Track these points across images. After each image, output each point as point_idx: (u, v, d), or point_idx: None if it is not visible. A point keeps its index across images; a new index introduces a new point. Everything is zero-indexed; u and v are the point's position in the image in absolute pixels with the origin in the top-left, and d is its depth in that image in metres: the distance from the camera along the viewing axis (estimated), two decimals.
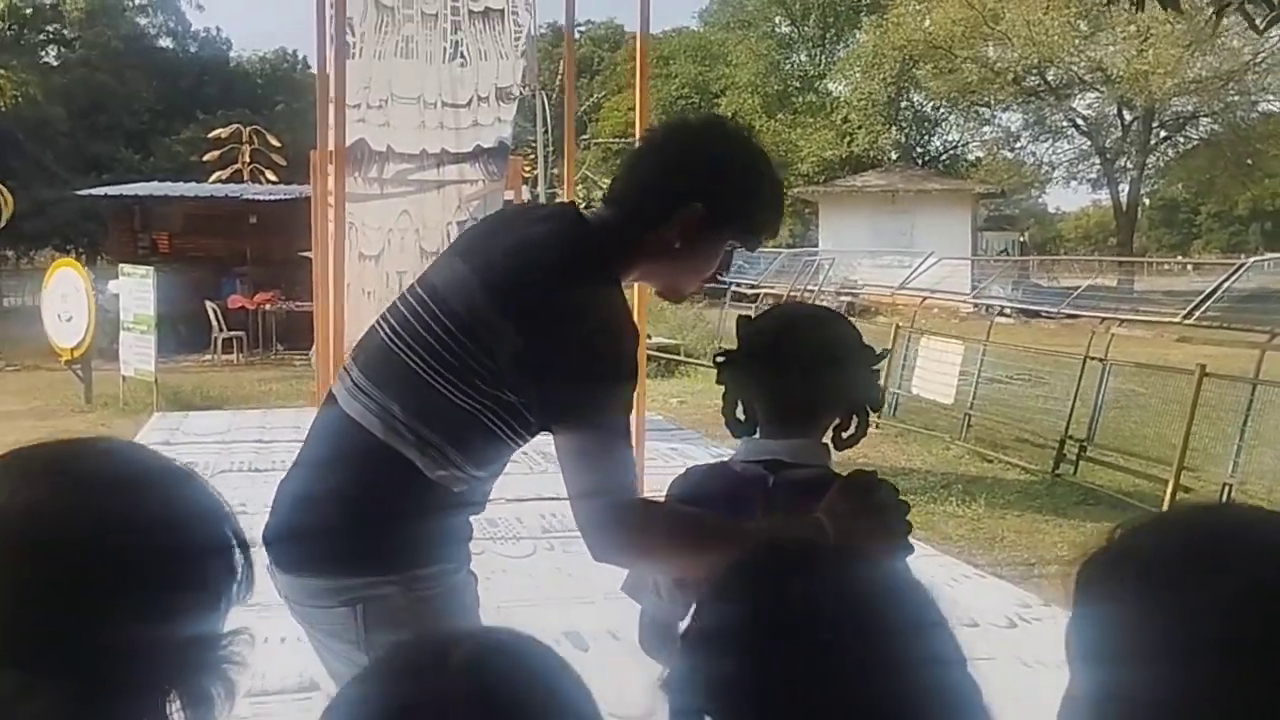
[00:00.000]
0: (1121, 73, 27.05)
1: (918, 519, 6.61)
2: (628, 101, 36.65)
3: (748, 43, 34.63)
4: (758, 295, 20.56)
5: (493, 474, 1.95)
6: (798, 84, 34.85)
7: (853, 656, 0.85)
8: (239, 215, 19.75)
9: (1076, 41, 28.97)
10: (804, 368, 1.81)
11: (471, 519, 2.00)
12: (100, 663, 0.89)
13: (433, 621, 1.79)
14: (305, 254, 13.29)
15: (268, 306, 18.69)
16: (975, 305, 25.72)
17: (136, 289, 12.41)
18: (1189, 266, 40.36)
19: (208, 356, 17.61)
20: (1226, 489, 6.92)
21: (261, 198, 20.09)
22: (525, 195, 13.88)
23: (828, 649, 0.86)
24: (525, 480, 7.16)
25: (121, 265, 14.19)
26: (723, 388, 1.89)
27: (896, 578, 0.98)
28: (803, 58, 36.07)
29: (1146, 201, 36.37)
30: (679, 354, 15.88)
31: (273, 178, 25.43)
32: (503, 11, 10.47)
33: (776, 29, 36.12)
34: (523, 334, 1.73)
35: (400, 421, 1.80)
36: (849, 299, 24.13)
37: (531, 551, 6.20)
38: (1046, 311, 23.32)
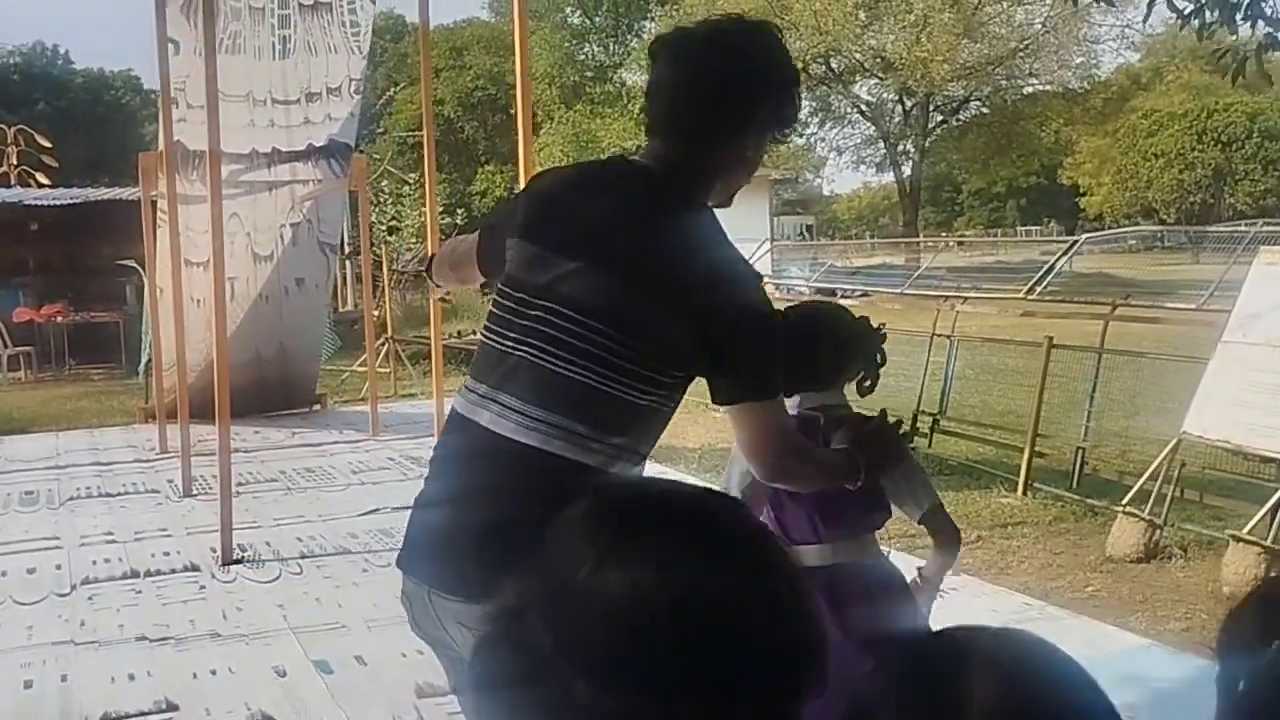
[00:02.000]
0: (903, 60, 28.40)
1: None
2: (420, 93, 36.21)
3: (541, 34, 34.58)
4: None
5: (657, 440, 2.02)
6: (592, 75, 35.10)
7: None
8: (18, 223, 18.32)
9: (857, 30, 30.27)
10: (835, 348, 2.61)
11: None
12: None
13: None
14: (124, 262, 12.57)
15: (59, 319, 17.49)
16: (778, 288, 26.53)
17: None
18: (952, 243, 42.90)
19: None
20: (1079, 453, 7.41)
21: (43, 203, 18.72)
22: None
23: None
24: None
25: None
26: None
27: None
28: (596, 49, 36.36)
29: (908, 183, 38.29)
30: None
31: (45, 180, 23.76)
32: (331, 5, 10.10)
33: (568, 20, 36.26)
34: (703, 321, 1.81)
35: (589, 438, 1.81)
36: None
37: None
38: (843, 290, 24.40)
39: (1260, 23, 4.63)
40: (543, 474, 1.80)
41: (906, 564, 3.13)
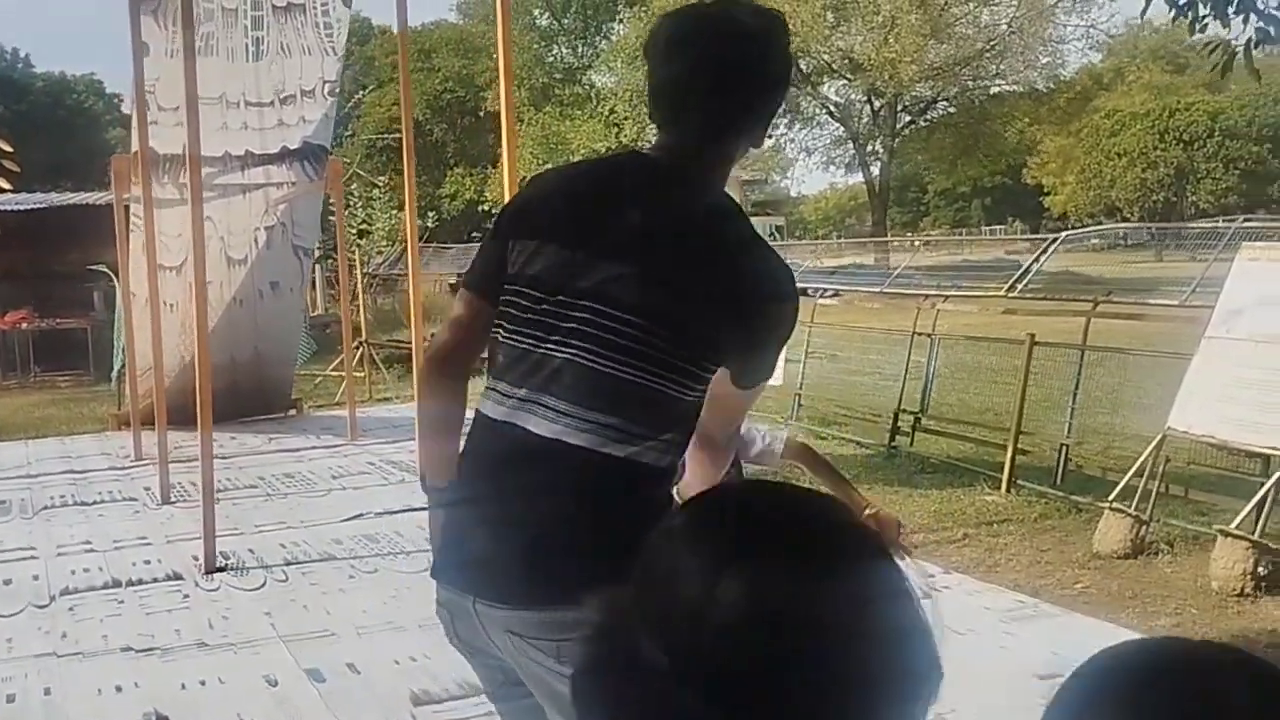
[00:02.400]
0: (872, 61, 28.53)
1: None
2: (390, 96, 35.86)
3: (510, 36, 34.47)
4: None
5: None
6: (561, 77, 35.02)
7: None
8: None
9: (825, 31, 30.37)
10: None
11: None
12: None
13: None
14: (94, 267, 12.40)
15: (24, 325, 17.24)
16: None
17: None
18: (919, 243, 43.17)
19: None
20: (1063, 449, 7.43)
21: (6, 208, 18.45)
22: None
23: None
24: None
25: None
26: None
27: None
28: (565, 51, 36.26)
29: (876, 184, 38.46)
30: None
31: (6, 185, 23.39)
32: (305, 6, 9.99)
33: (537, 22, 36.16)
34: (747, 315, 1.85)
35: (643, 436, 1.81)
36: None
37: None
38: (812, 289, 24.59)
39: (1252, 17, 4.65)
40: (598, 474, 1.79)
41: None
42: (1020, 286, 9.68)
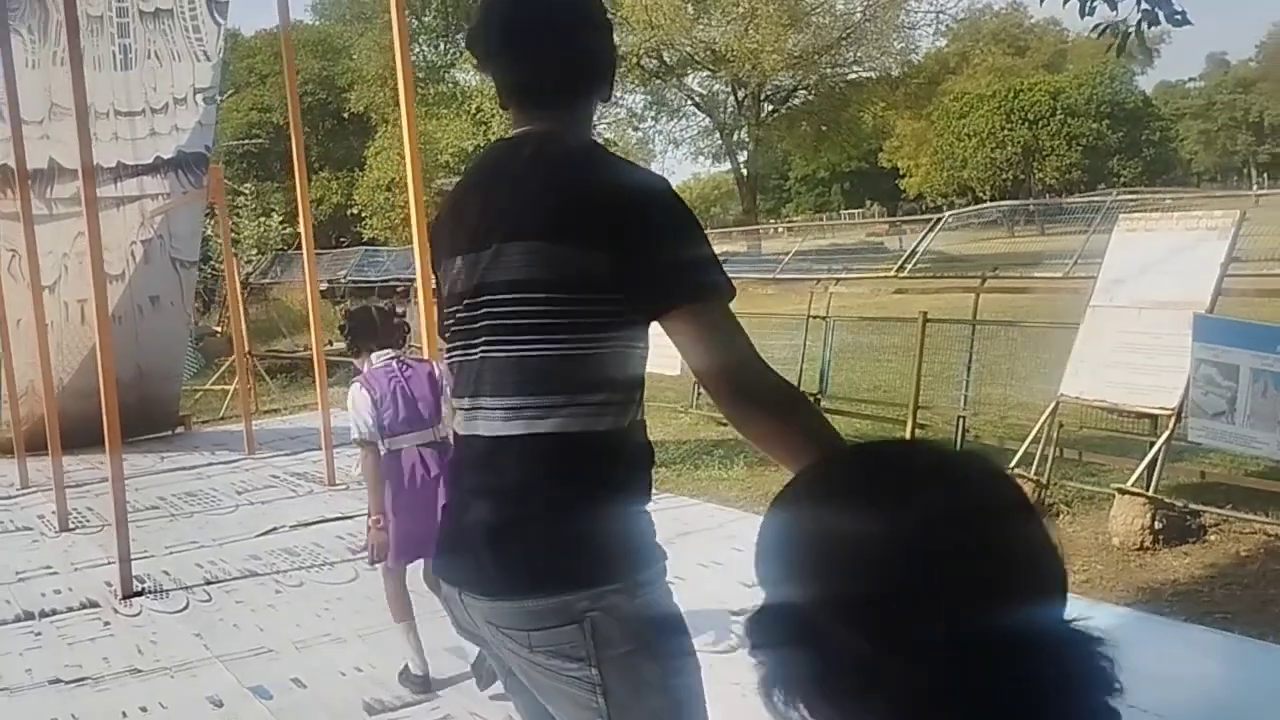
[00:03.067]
0: (734, 51, 28.92)
1: (685, 486, 6.97)
2: (248, 101, 35.00)
3: (370, 35, 33.88)
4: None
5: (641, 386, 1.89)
6: (424, 76, 34.54)
7: None
8: None
9: (686, 23, 30.67)
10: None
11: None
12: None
13: (658, 627, 1.78)
14: None
15: None
16: None
17: None
18: (779, 229, 44.00)
19: None
20: (960, 421, 7.72)
21: None
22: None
23: None
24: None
25: None
26: None
27: None
28: (427, 49, 35.79)
29: (745, 171, 39.13)
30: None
31: None
32: (172, 11, 9.72)
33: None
34: (617, 229, 1.72)
35: (569, 405, 1.77)
36: None
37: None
38: None
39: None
40: (535, 457, 1.78)
41: None
42: (910, 267, 9.99)
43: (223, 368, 14.38)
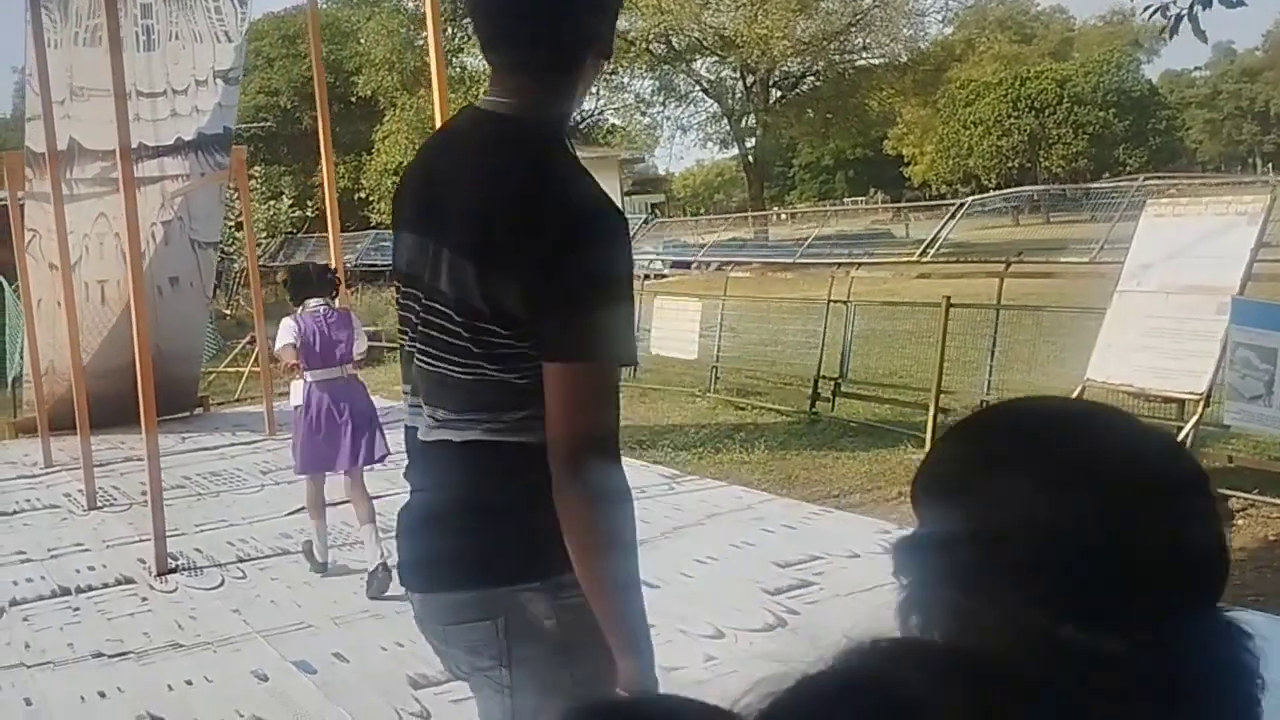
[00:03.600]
0: (744, 37, 28.88)
1: (707, 469, 6.96)
2: (255, 85, 34.87)
3: (378, 19, 33.82)
4: None
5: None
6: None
7: None
8: None
9: (696, 8, 30.60)
10: None
11: None
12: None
13: (578, 634, 1.68)
14: None
15: None
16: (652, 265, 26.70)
17: None
18: (782, 215, 43.98)
19: None
20: (984, 405, 7.73)
21: None
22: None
23: None
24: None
25: None
26: None
27: None
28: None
29: (752, 158, 39.06)
30: (380, 340, 15.44)
31: None
32: None
33: (404, 5, 35.52)
34: (544, 286, 1.57)
35: (491, 422, 1.68)
36: None
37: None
38: (698, 263, 25.03)
39: None
40: (465, 462, 1.71)
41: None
42: (932, 252, 10.01)
43: (235, 350, 14.41)
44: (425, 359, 1.71)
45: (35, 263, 9.92)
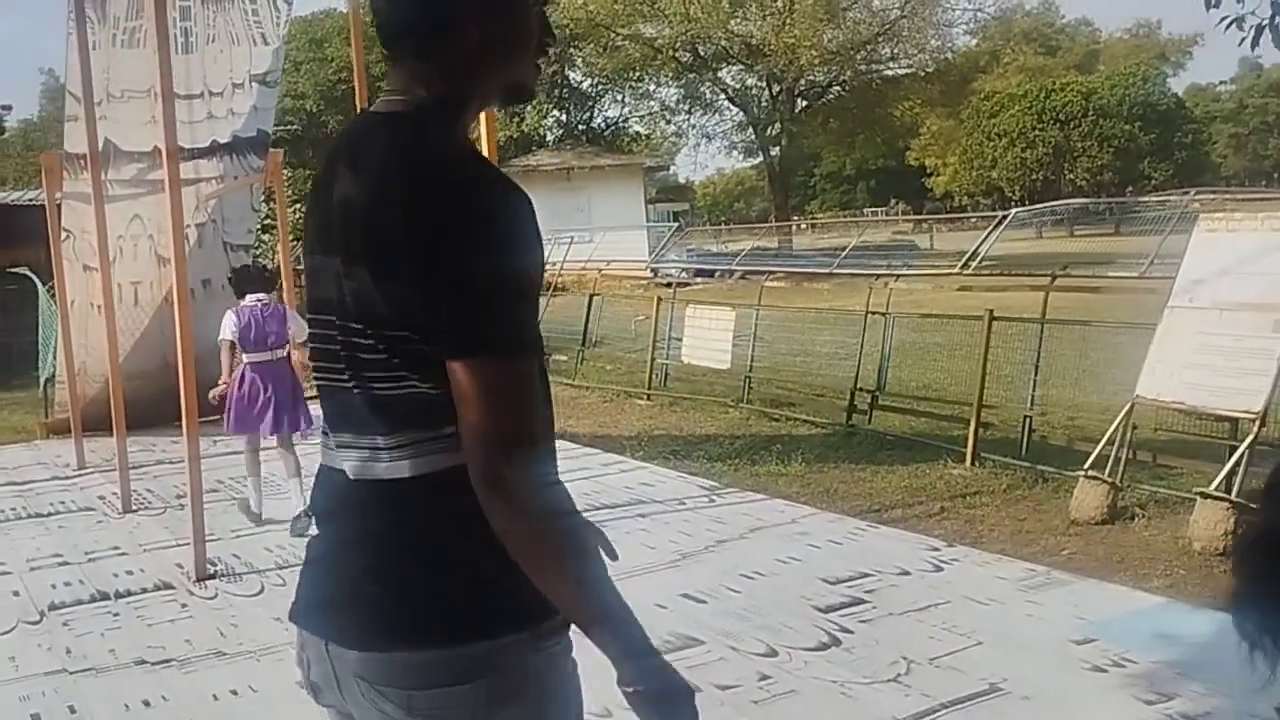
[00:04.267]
0: (771, 46, 28.83)
1: (744, 481, 6.91)
2: (281, 88, 34.98)
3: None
4: None
5: None
6: None
7: None
8: None
9: (723, 17, 30.55)
10: None
11: None
12: None
13: (555, 691, 1.54)
14: (16, 269, 11.83)
15: None
16: (654, 272, 26.64)
17: None
18: (803, 225, 43.86)
19: None
20: (1027, 421, 7.64)
21: None
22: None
23: None
24: None
25: None
26: None
27: None
28: None
29: (777, 167, 38.97)
30: None
31: None
32: None
33: None
34: (436, 276, 1.43)
35: (415, 443, 1.51)
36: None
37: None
38: (722, 271, 24.93)
39: None
40: (417, 498, 1.51)
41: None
42: (974, 265, 9.93)
43: None
44: (349, 383, 1.54)
45: (69, 264, 9.91)
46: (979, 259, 9.77)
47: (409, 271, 1.43)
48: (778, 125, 34.59)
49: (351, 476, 1.55)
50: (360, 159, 1.55)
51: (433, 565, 1.49)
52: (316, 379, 1.65)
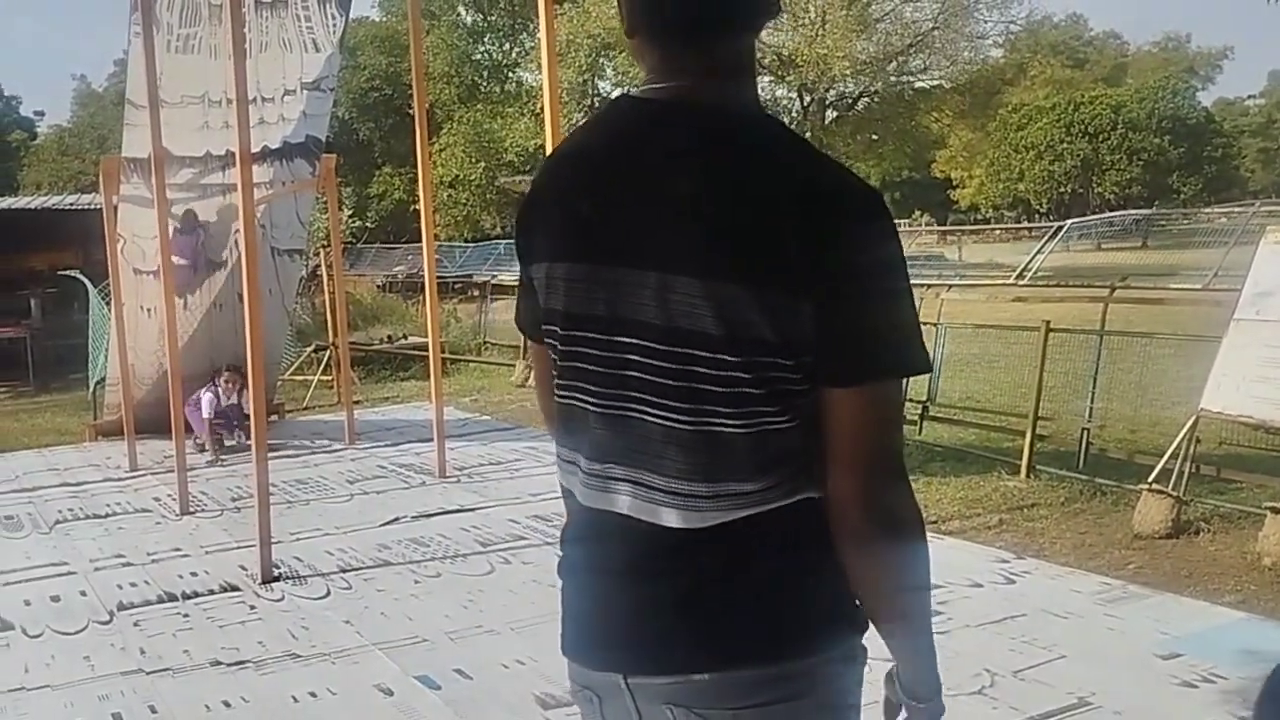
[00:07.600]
0: (804, 57, 28.80)
1: None
2: None
3: (436, 33, 34.03)
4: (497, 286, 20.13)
5: None
6: (489, 74, 34.70)
7: None
8: None
9: None
10: None
11: None
12: None
13: (858, 698, 1.49)
14: (66, 272, 11.92)
15: None
16: None
17: None
18: None
19: None
20: (1084, 433, 7.58)
21: None
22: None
23: None
24: None
25: None
26: None
27: None
28: (492, 48, 35.96)
29: None
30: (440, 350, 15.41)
31: None
32: (287, 1, 9.74)
33: (463, 19, 35.82)
34: (834, 295, 1.30)
35: (742, 491, 1.41)
36: None
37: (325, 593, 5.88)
38: None
39: None
40: (731, 545, 1.41)
41: None
42: (1029, 275, 9.88)
43: (299, 359, 14.46)
44: (663, 416, 1.39)
45: (123, 267, 9.97)
46: (1034, 270, 9.72)
47: (795, 291, 1.30)
48: (809, 135, 34.57)
49: (680, 526, 1.41)
50: (682, 155, 1.37)
51: (756, 590, 1.42)
52: (564, 399, 1.52)
